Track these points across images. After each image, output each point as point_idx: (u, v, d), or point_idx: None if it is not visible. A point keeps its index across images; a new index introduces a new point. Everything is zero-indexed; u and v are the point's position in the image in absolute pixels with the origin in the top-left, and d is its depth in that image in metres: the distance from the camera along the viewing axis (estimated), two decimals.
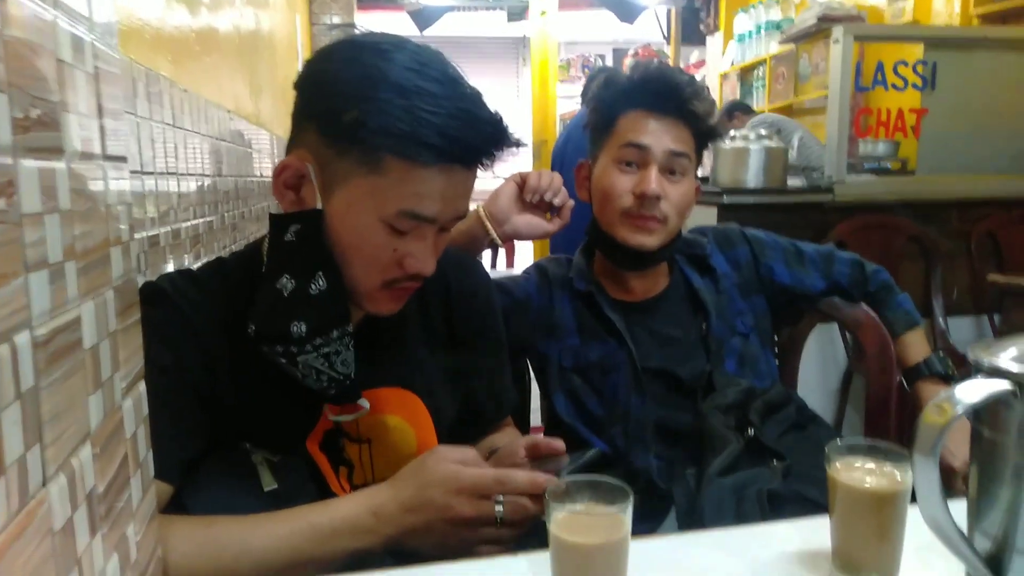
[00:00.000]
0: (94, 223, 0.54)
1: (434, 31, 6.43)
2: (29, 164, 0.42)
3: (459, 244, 1.13)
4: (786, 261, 1.31)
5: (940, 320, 2.55)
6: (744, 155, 2.49)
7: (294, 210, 0.84)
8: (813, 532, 0.75)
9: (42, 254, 0.44)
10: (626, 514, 0.61)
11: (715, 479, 0.97)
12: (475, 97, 0.82)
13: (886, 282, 1.32)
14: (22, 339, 0.41)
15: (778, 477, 0.97)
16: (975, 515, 0.56)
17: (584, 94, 3.53)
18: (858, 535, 0.69)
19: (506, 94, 8.50)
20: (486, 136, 0.82)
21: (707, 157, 1.51)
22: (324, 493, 0.90)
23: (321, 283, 0.82)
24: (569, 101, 6.86)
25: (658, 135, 1.16)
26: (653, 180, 1.14)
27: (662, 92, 1.17)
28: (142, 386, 0.67)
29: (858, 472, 0.69)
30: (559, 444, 0.88)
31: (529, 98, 5.61)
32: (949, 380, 1.25)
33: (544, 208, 1.20)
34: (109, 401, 0.57)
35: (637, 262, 1.21)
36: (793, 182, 2.61)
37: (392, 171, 0.79)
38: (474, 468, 0.81)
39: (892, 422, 1.31)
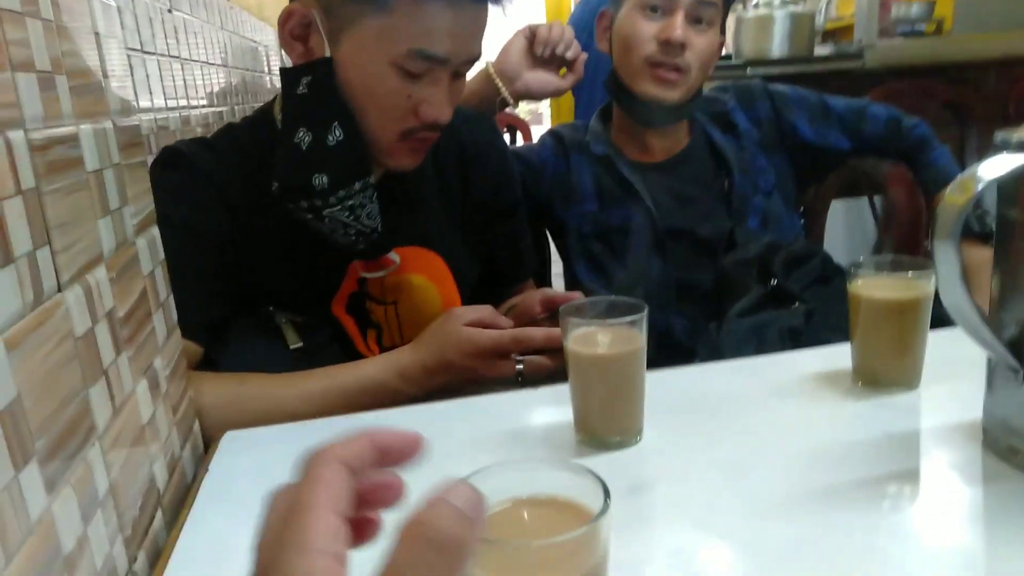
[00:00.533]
0: (82, 44, 0.53)
1: None
2: None
3: (469, 105, 1.10)
4: (810, 117, 1.25)
5: None
6: (768, 23, 2.37)
7: (303, 62, 0.82)
8: (834, 357, 0.75)
9: (27, 56, 0.43)
10: (641, 328, 0.61)
11: (734, 319, 0.96)
12: None
13: (923, 137, 1.25)
14: (16, 136, 0.41)
15: (800, 318, 0.96)
16: (999, 302, 0.55)
17: None
18: (880, 347, 0.68)
19: None
20: None
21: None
22: (349, 354, 0.92)
23: (338, 134, 0.80)
24: None
25: None
26: (678, 26, 1.10)
27: None
28: (156, 231, 0.67)
29: (880, 284, 0.68)
30: (576, 295, 0.88)
31: None
32: (984, 238, 1.21)
33: (557, 64, 1.16)
34: (120, 232, 0.57)
35: (657, 117, 1.17)
36: (820, 50, 2.49)
37: (400, 7, 0.76)
38: (491, 330, 0.82)
39: None
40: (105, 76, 0.58)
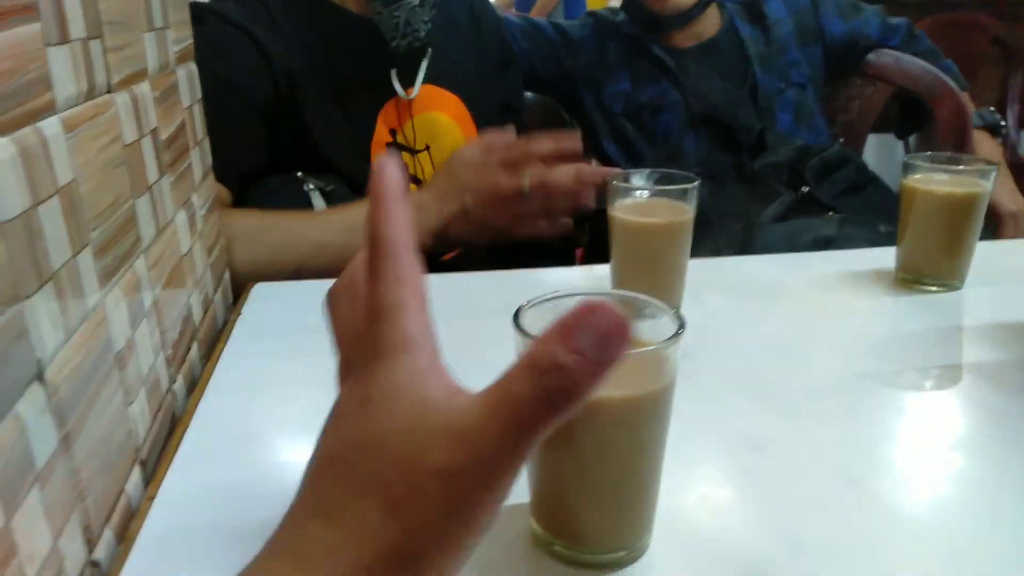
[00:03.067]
0: None
1: None
2: None
3: None
4: (841, 11, 1.24)
5: (1012, 132, 2.40)
6: None
7: None
8: (876, 256, 0.74)
9: None
10: (691, 200, 0.59)
11: (767, 224, 0.95)
12: None
13: (933, 47, 1.27)
14: None
15: (834, 228, 0.95)
16: None
17: None
18: (931, 242, 0.66)
19: None
20: None
21: None
22: None
23: None
24: None
25: None
26: None
27: None
28: (194, 68, 0.65)
29: (936, 179, 0.66)
30: (612, 171, 0.87)
31: None
32: (998, 131, 1.24)
33: None
34: (163, 54, 0.55)
35: (677, 22, 1.15)
36: None
37: None
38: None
39: None
40: None
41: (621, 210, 0.60)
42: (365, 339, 0.24)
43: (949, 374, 0.54)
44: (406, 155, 0.93)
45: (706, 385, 0.52)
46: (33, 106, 0.32)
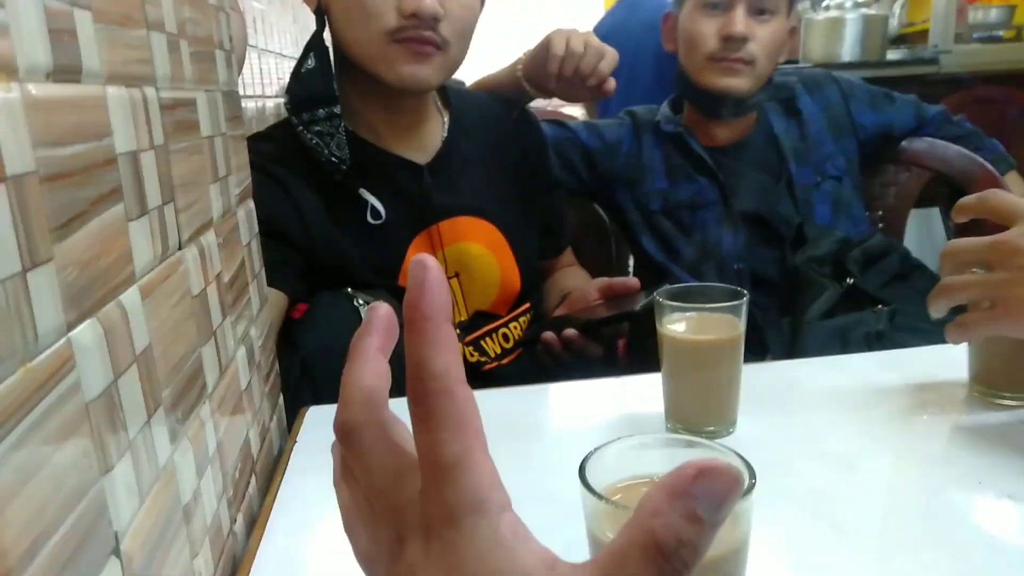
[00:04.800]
0: (200, 12, 0.54)
1: None
2: None
3: (501, 93, 1.11)
4: (873, 102, 1.26)
5: None
6: (839, 25, 2.32)
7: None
8: (935, 355, 0.72)
9: (159, 16, 0.44)
10: (740, 314, 0.59)
11: (816, 322, 0.94)
12: None
13: (975, 129, 1.27)
14: (150, 92, 0.42)
15: (884, 321, 0.94)
16: None
17: None
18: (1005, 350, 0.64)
19: None
20: None
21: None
22: None
23: (310, 63, 0.89)
24: None
25: None
26: (739, 21, 1.09)
27: None
28: (251, 204, 0.68)
29: None
30: (634, 281, 0.88)
31: None
32: None
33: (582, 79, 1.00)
34: (226, 198, 0.58)
35: (726, 108, 1.17)
36: (893, 55, 2.42)
37: None
38: None
39: None
40: (220, 48, 0.59)
41: (671, 327, 0.60)
42: (428, 501, 0.22)
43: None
44: None
45: (766, 509, 0.50)
46: (115, 282, 0.34)
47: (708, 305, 0.60)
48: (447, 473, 0.22)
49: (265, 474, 0.62)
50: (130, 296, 0.35)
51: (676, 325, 0.60)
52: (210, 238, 0.52)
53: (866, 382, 0.70)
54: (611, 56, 0.98)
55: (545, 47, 0.99)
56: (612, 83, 0.99)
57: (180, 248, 0.45)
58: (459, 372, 0.23)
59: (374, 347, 0.26)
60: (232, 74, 0.64)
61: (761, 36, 1.11)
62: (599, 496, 0.32)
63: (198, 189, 0.50)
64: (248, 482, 0.57)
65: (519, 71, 1.06)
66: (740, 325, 0.59)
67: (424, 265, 0.23)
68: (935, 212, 2.30)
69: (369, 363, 0.26)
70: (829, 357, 0.77)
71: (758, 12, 1.11)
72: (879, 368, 0.73)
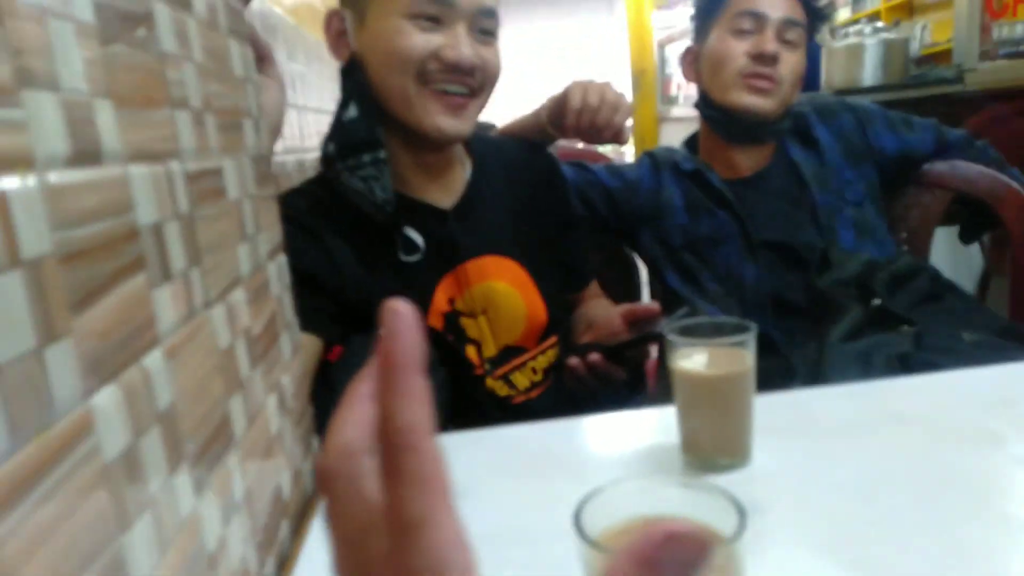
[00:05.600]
0: (226, 86, 0.58)
1: None
2: (160, 6, 0.46)
3: (525, 137, 1.15)
4: (891, 127, 1.26)
5: None
6: (859, 51, 2.32)
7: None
8: (960, 380, 0.72)
9: (183, 94, 0.48)
10: (750, 347, 0.60)
11: (838, 344, 0.94)
12: None
13: (998, 156, 1.26)
14: (175, 165, 0.45)
15: (909, 343, 0.93)
16: None
17: None
18: None
19: (598, 22, 8.25)
20: None
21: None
22: (457, 369, 0.96)
23: (352, 112, 0.92)
24: (666, 30, 6.57)
25: (773, 3, 1.15)
26: (770, 40, 1.13)
27: None
28: (283, 258, 0.72)
29: None
30: (654, 306, 0.90)
31: (625, 27, 5.43)
32: None
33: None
34: (255, 256, 0.61)
35: (751, 131, 1.19)
36: (916, 75, 2.41)
37: None
38: None
39: None
40: (247, 116, 0.63)
41: (681, 362, 0.62)
42: (390, 558, 0.22)
43: None
44: (467, 320, 0.97)
45: (779, 546, 0.50)
46: (138, 346, 0.37)
47: (714, 340, 0.61)
48: (409, 533, 0.22)
49: (297, 514, 0.64)
50: (153, 358, 0.38)
51: (684, 361, 0.61)
52: (238, 295, 0.55)
53: (886, 409, 0.70)
54: (625, 108, 1.04)
55: (564, 98, 1.05)
56: (627, 133, 1.06)
57: (207, 307, 0.49)
58: (426, 425, 0.22)
59: (364, 393, 0.26)
60: (260, 139, 0.68)
61: (788, 61, 1.16)
62: (589, 542, 0.33)
63: (226, 250, 0.54)
64: (279, 525, 0.59)
65: (543, 116, 1.11)
66: (749, 358, 0.61)
67: (396, 312, 0.23)
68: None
69: (354, 410, 0.26)
70: (850, 385, 0.77)
71: (784, 41, 1.15)
72: (900, 395, 0.73)
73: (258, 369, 0.58)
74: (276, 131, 0.82)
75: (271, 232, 0.68)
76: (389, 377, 0.22)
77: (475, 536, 0.23)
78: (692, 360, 0.61)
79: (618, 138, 1.05)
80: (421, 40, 0.88)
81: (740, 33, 1.16)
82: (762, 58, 1.13)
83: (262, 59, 0.79)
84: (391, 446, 0.22)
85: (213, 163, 0.53)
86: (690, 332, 0.63)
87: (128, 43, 0.40)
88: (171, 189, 0.44)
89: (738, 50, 1.15)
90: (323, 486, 0.25)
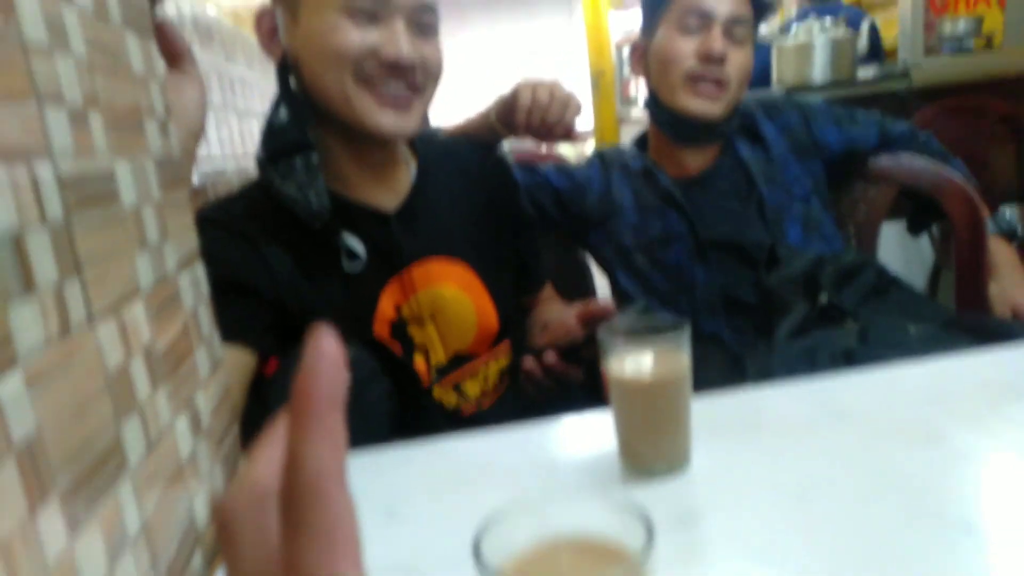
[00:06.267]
0: (121, 82, 0.54)
1: None
2: None
3: (474, 138, 1.12)
4: (835, 121, 1.26)
5: None
6: (808, 51, 2.35)
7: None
8: (903, 375, 0.70)
9: (54, 88, 0.44)
10: (684, 347, 0.58)
11: (785, 342, 0.93)
12: None
13: (942, 149, 1.27)
14: (43, 168, 0.41)
15: (854, 338, 0.92)
16: None
17: None
18: None
19: (558, 25, 8.27)
20: None
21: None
22: (398, 378, 0.91)
23: (282, 114, 0.89)
24: (624, 31, 6.61)
25: (719, 1, 1.13)
26: (717, 39, 1.11)
27: None
28: (200, 270, 0.68)
29: None
30: (609, 304, 0.88)
31: (583, 28, 5.44)
32: (1014, 236, 1.24)
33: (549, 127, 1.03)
34: (159, 266, 0.57)
35: (699, 133, 1.18)
36: (864, 73, 2.44)
37: None
38: None
39: (985, 295, 1.22)
40: (149, 115, 0.59)
41: (614, 366, 0.59)
42: None
43: (985, 519, 0.50)
44: (415, 327, 0.94)
45: (713, 555, 0.48)
46: None
47: (647, 340, 0.59)
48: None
49: (215, 544, 0.60)
50: (8, 383, 0.34)
51: (618, 363, 0.59)
52: (136, 309, 0.51)
53: (829, 407, 0.68)
54: (575, 105, 1.02)
55: (513, 96, 1.02)
56: (579, 131, 1.04)
57: (91, 323, 0.44)
58: (339, 473, 0.21)
59: (281, 433, 0.24)
60: (168, 140, 0.64)
61: (735, 60, 1.14)
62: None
63: (117, 260, 0.49)
64: (191, 555, 0.55)
65: (492, 115, 1.08)
66: (683, 359, 0.58)
67: (318, 347, 0.22)
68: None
69: (268, 448, 0.24)
70: (794, 383, 0.75)
71: (730, 39, 1.13)
72: (843, 391, 0.71)
73: (162, 389, 0.54)
74: (196, 133, 0.77)
75: (182, 240, 0.64)
76: (302, 418, 0.21)
77: (391, 567, 0.19)
78: (624, 363, 0.59)
79: (570, 135, 1.02)
80: (357, 37, 0.84)
81: (687, 31, 1.14)
82: (709, 58, 1.12)
83: (179, 56, 0.74)
84: (297, 492, 0.20)
85: (100, 165, 0.49)
86: (625, 332, 0.60)
87: None
88: (36, 193, 0.40)
89: (686, 50, 1.13)
90: (221, 528, 0.23)
